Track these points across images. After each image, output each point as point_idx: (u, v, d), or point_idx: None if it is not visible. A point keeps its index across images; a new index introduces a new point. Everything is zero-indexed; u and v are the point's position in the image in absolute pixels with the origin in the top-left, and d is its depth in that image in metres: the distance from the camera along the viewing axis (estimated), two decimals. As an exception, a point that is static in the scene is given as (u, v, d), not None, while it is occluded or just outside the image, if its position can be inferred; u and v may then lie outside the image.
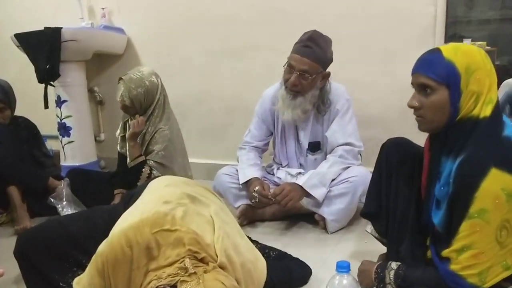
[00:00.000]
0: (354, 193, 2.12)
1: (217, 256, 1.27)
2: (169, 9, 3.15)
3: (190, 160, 2.55)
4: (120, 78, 2.34)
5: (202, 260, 1.25)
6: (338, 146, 2.21)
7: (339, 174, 2.16)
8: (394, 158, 1.53)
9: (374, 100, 2.70)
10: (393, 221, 1.52)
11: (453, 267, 1.22)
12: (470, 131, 1.23)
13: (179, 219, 1.30)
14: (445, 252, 1.24)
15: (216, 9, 2.99)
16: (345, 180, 2.13)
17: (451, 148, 1.27)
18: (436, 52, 1.28)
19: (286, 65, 2.16)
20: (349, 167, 2.18)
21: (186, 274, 1.18)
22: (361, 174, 2.11)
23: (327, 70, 2.19)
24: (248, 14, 2.91)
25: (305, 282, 1.63)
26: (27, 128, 2.64)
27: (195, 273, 1.18)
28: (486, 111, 1.22)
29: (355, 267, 1.47)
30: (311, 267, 1.66)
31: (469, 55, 1.24)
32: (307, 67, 2.09)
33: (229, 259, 1.30)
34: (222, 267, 1.26)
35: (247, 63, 2.97)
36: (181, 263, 1.22)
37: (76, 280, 1.34)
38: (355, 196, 2.12)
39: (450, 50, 1.25)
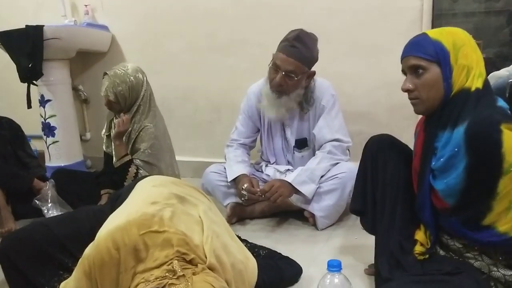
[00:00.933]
0: (343, 189, 2.11)
1: (206, 257, 1.25)
2: (153, 5, 3.11)
3: (177, 158, 2.52)
4: (105, 73, 2.30)
5: (190, 262, 1.23)
6: (326, 142, 2.20)
7: (328, 170, 2.15)
8: (379, 155, 1.52)
9: (362, 94, 2.70)
10: (381, 216, 1.51)
11: (504, 228, 1.20)
12: (465, 102, 1.24)
13: (167, 220, 1.28)
14: (490, 218, 1.21)
15: (202, 4, 2.96)
16: (334, 176, 2.12)
17: (446, 121, 1.27)
18: (422, 35, 1.33)
19: (271, 64, 2.14)
20: (338, 163, 2.17)
21: (175, 277, 1.16)
22: (350, 170, 2.09)
23: (312, 69, 2.17)
24: (234, 10, 2.88)
25: (296, 281, 1.61)
26: (11, 129, 2.59)
27: (183, 275, 1.16)
28: (477, 83, 1.25)
29: (346, 264, 1.46)
30: (301, 265, 1.64)
31: (454, 33, 1.29)
32: (293, 68, 2.07)
33: (218, 259, 1.28)
34: (211, 268, 1.24)
35: (233, 59, 2.95)
36: (169, 265, 1.19)
37: (62, 284, 1.31)
38: (344, 192, 2.11)
39: (435, 32, 1.31)
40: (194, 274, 1.18)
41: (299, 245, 1.94)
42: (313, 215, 2.14)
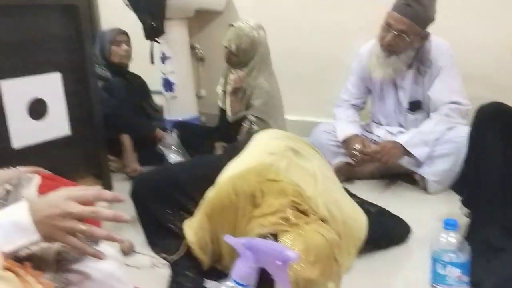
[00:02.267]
0: (458, 154, 2.00)
1: (318, 209, 1.30)
2: (268, -36, 3.13)
3: (285, 116, 2.57)
4: (231, 25, 2.39)
5: (303, 212, 1.28)
6: (442, 104, 2.10)
7: (444, 134, 2.06)
8: (488, 124, 1.43)
9: (484, 56, 2.50)
10: (488, 188, 1.44)
11: None
12: None
13: (283, 170, 1.34)
14: None
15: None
16: (449, 140, 2.04)
17: None
18: None
19: (383, 22, 2.08)
20: (454, 126, 2.07)
21: (287, 225, 1.22)
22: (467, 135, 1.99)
23: (427, 30, 2.06)
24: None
25: (403, 241, 1.62)
26: (139, 83, 2.87)
27: (296, 224, 1.21)
28: None
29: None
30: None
31: None
32: (405, 27, 1.99)
33: (330, 213, 1.32)
34: (323, 220, 1.28)
35: (346, 17, 2.88)
36: (283, 213, 1.26)
37: (187, 223, 1.45)
38: (459, 158, 2.01)
39: None
40: (306, 223, 1.23)
41: (408, 207, 1.90)
42: (424, 179, 2.09)
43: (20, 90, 1.87)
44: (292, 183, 1.31)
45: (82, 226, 0.79)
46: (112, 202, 0.86)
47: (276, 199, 1.29)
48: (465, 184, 1.60)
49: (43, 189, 1.20)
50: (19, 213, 0.79)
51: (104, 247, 0.92)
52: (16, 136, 1.87)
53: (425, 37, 2.08)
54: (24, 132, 1.90)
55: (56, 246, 0.90)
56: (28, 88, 1.90)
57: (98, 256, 0.83)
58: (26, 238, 0.77)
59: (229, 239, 0.67)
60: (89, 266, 0.87)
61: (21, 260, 0.80)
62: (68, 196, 0.80)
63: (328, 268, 1.18)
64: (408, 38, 2.01)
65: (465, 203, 1.60)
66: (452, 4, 2.45)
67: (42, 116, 1.96)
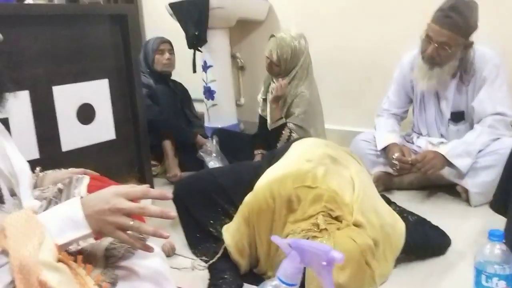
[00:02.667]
0: (503, 166, 1.96)
1: (354, 216, 1.30)
2: (310, -26, 3.16)
3: (325, 125, 2.58)
4: (272, 35, 2.44)
5: (336, 218, 1.29)
6: (486, 115, 2.06)
7: (487, 145, 2.02)
8: None
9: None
10: None
11: None
12: None
13: (320, 177, 1.36)
14: None
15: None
16: (494, 152, 1.99)
17: None
18: None
19: (424, 35, 2.06)
20: (499, 138, 2.03)
21: (318, 230, 1.24)
22: (513, 147, 1.94)
23: (470, 39, 2.03)
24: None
25: (442, 253, 1.58)
26: (182, 91, 2.97)
27: (326, 229, 1.22)
28: None
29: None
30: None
31: None
32: (446, 39, 1.97)
33: (367, 219, 1.32)
34: (357, 225, 1.28)
35: (388, 27, 2.87)
36: (315, 219, 1.27)
37: (225, 227, 1.48)
38: (504, 170, 1.97)
39: None
40: (338, 229, 1.24)
41: (448, 220, 1.86)
42: (466, 191, 2.05)
43: (70, 95, 1.96)
44: (329, 190, 1.33)
45: (131, 222, 0.83)
46: (160, 199, 0.90)
47: (311, 205, 1.31)
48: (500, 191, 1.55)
49: (91, 189, 1.26)
50: (72, 208, 0.84)
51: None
52: (65, 140, 1.97)
53: (468, 46, 2.05)
54: (73, 136, 1.99)
55: (104, 242, 0.95)
56: (77, 93, 1.99)
57: (148, 249, 0.87)
58: (78, 232, 0.82)
59: (275, 239, 0.69)
60: (136, 263, 0.91)
61: (72, 254, 0.85)
62: (118, 193, 0.84)
63: (359, 273, 1.18)
64: (450, 49, 1.99)
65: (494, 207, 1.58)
66: (497, 10, 2.40)
67: (90, 121, 2.05)
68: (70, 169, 1.40)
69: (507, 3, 2.41)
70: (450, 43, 1.97)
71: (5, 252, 0.74)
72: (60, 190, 1.24)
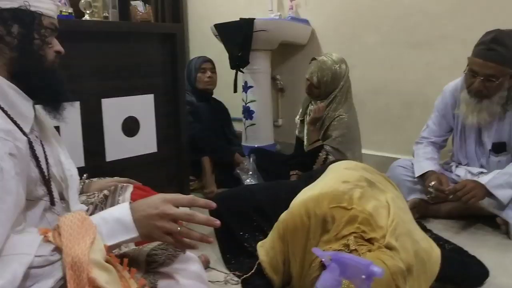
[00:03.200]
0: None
1: (387, 239, 1.30)
2: (353, 1, 3.20)
3: (362, 150, 2.58)
4: (313, 58, 2.49)
5: (369, 240, 1.29)
6: (530, 147, 2.03)
7: (530, 177, 1.98)
8: None
9: None
10: None
11: None
12: None
13: (356, 199, 1.36)
14: None
15: (401, 0, 2.94)
16: (536, 184, 1.95)
17: None
18: None
19: (466, 70, 2.05)
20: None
21: (348, 251, 1.24)
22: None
23: None
24: (436, 4, 2.79)
25: (480, 284, 1.55)
26: (222, 110, 3.05)
27: (355, 250, 1.23)
28: None
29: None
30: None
31: None
32: (493, 71, 1.95)
33: (401, 243, 1.31)
34: (389, 247, 1.28)
35: (431, 55, 2.87)
36: (346, 240, 1.28)
37: (260, 243, 1.51)
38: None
39: None
40: (369, 251, 1.24)
41: (487, 252, 1.82)
42: (506, 223, 2.00)
43: (117, 108, 2.05)
44: (364, 212, 1.33)
45: (179, 227, 0.87)
46: (205, 208, 0.95)
47: (345, 226, 1.31)
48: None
49: (135, 197, 1.31)
50: (122, 211, 0.89)
51: (188, 254, 1.00)
52: (110, 150, 2.04)
53: None
54: (117, 147, 2.07)
55: (146, 248, 0.99)
56: (124, 106, 2.07)
57: (194, 246, 0.92)
58: (127, 235, 0.87)
59: (316, 251, 0.71)
60: (177, 268, 0.95)
61: (118, 257, 0.90)
62: (165, 199, 0.89)
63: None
64: (497, 80, 1.97)
65: None
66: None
67: (134, 133, 2.13)
68: (115, 178, 1.47)
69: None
70: (496, 74, 1.96)
71: (58, 250, 0.80)
72: (105, 197, 1.30)
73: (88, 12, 2.08)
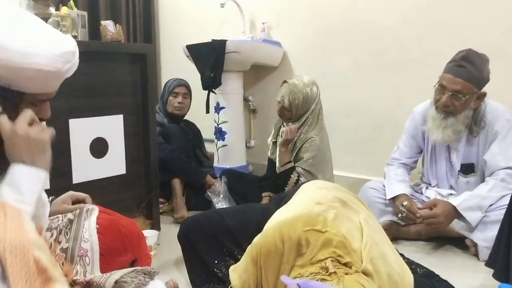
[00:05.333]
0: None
1: (362, 263, 1.28)
2: (325, 24, 3.24)
3: (334, 172, 2.59)
4: (285, 81, 2.50)
5: (345, 264, 1.27)
6: (499, 169, 2.06)
7: (498, 200, 2.01)
8: None
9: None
10: None
11: None
12: None
13: (330, 221, 1.35)
14: None
15: (373, 23, 3.00)
16: (503, 206, 1.96)
17: None
18: None
19: (437, 85, 2.10)
20: (510, 193, 2.01)
21: (327, 274, 1.22)
22: (524, 202, 1.93)
23: (482, 90, 2.07)
24: (405, 29, 2.86)
25: (451, 307, 1.56)
26: (194, 131, 3.02)
27: (335, 272, 1.21)
28: None
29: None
30: (459, 293, 1.58)
31: None
32: (460, 87, 2.00)
33: (375, 267, 1.30)
34: (366, 273, 1.26)
35: (400, 78, 2.92)
36: (323, 263, 1.26)
37: (232, 267, 1.46)
38: (514, 225, 1.95)
39: None
40: (346, 274, 1.22)
41: (456, 273, 1.83)
42: (475, 244, 2.02)
43: (85, 129, 2.00)
44: (339, 235, 1.31)
45: None
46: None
47: (320, 250, 1.29)
48: (497, 256, 1.55)
49: (100, 221, 1.27)
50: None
51: (156, 282, 0.96)
52: (77, 172, 1.99)
53: (481, 97, 2.08)
54: (85, 169, 2.01)
55: (115, 276, 0.95)
56: (92, 127, 2.03)
57: None
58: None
59: (285, 279, 0.69)
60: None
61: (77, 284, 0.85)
62: None
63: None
64: (464, 97, 2.01)
65: (495, 276, 1.56)
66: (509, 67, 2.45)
67: (103, 155, 2.08)
68: (69, 192, 1.42)
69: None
70: (463, 91, 2.00)
71: None
72: (70, 221, 1.25)
73: (56, 31, 2.03)
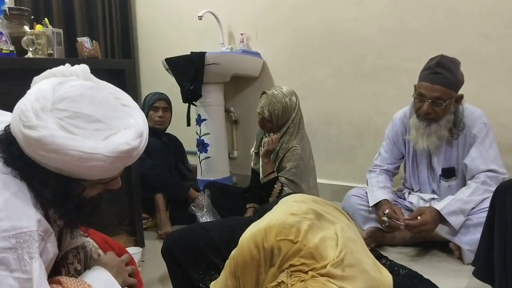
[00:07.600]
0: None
1: (331, 271, 1.28)
2: (303, 34, 3.26)
3: (317, 180, 2.59)
4: (264, 92, 2.50)
5: (307, 272, 1.26)
6: (479, 172, 2.08)
7: (480, 202, 2.03)
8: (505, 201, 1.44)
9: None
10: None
11: None
12: None
13: (304, 232, 1.34)
14: None
15: (350, 32, 3.03)
16: (485, 209, 1.99)
17: None
18: None
19: (415, 94, 2.12)
20: (491, 195, 2.04)
21: (277, 284, 1.22)
22: (504, 204, 1.95)
23: (459, 93, 2.10)
24: (382, 37, 2.90)
25: (432, 307, 1.56)
26: (176, 144, 2.99)
27: (283, 282, 1.21)
28: None
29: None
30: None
31: None
32: (439, 94, 2.03)
33: (349, 274, 1.30)
34: (330, 276, 1.25)
35: (379, 86, 2.95)
36: (282, 274, 1.26)
37: (213, 282, 1.45)
38: (496, 227, 1.97)
39: None
40: (301, 281, 1.22)
41: (442, 278, 1.83)
42: (459, 248, 2.04)
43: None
44: (309, 245, 1.31)
45: None
46: None
47: (287, 259, 1.28)
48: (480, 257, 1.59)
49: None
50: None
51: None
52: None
53: (459, 99, 2.11)
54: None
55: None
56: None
57: None
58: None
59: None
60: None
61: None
62: None
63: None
64: (444, 103, 2.04)
65: (475, 273, 1.60)
66: (492, 76, 2.49)
67: (83, 172, 2.04)
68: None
69: (487, 65, 2.50)
70: (443, 97, 2.03)
71: None
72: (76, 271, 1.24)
73: (31, 49, 2.01)
